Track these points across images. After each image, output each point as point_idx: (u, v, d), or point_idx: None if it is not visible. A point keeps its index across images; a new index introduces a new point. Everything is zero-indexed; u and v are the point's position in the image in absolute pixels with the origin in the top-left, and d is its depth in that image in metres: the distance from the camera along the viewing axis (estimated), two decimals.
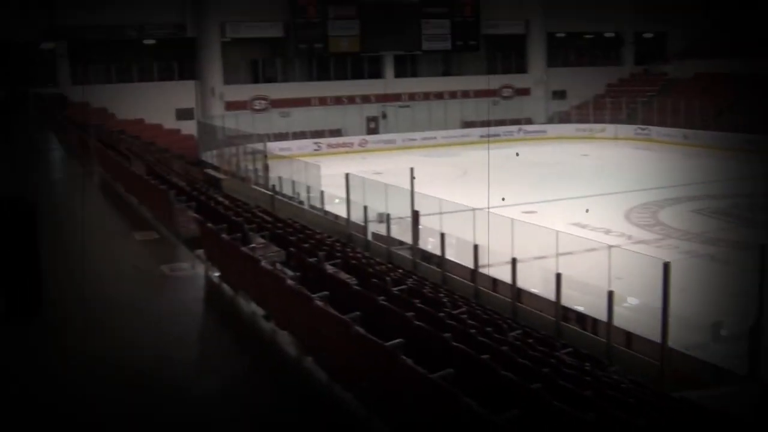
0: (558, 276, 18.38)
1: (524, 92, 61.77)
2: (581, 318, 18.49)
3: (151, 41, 52.08)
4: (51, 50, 49.84)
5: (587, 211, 31.03)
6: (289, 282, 8.75)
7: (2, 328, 9.56)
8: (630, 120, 57.75)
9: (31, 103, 47.76)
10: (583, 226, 28.87)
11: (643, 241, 27.25)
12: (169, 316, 10.56)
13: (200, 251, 12.85)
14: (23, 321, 9.64)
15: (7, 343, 9.21)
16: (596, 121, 58.65)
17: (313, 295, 8.07)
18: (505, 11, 59.89)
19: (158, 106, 49.79)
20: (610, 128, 57.55)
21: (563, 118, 60.82)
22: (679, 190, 36.00)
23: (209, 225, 11.97)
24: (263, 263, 9.58)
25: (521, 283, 19.97)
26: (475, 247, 21.33)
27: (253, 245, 12.25)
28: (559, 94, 62.31)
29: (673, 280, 15.15)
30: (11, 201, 9.79)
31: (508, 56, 62.25)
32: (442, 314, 11.17)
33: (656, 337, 15.41)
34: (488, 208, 22.35)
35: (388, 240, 24.86)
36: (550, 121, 61.21)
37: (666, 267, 15.11)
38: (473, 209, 23.77)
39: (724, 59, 55.49)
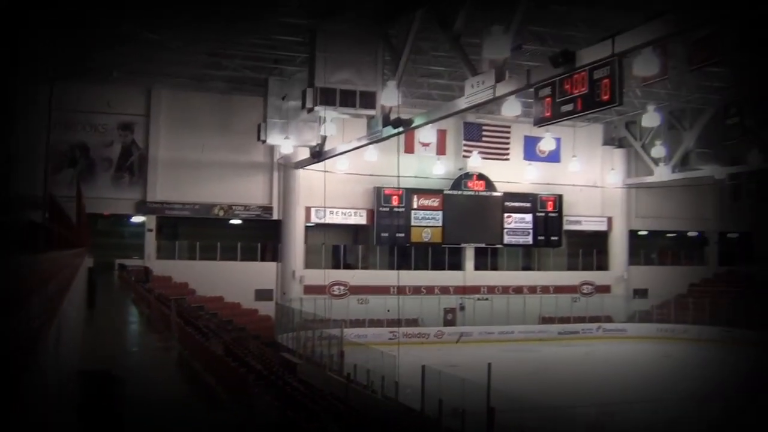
0: None
1: (605, 289, 61.05)
2: None
3: (237, 221, 53.35)
4: (140, 224, 51.34)
5: None
6: None
7: None
8: (714, 321, 55.62)
9: (116, 273, 49.00)
10: None
11: None
12: None
13: None
14: None
15: None
16: (677, 322, 57.14)
17: None
18: (588, 209, 60.42)
19: (238, 285, 50.40)
20: (692, 329, 55.73)
21: (644, 317, 59.56)
22: None
23: (289, 413, 11.79)
24: None
25: None
26: None
27: None
28: (641, 293, 61.39)
29: None
30: (99, 376, 9.79)
31: (589, 253, 61.96)
32: None
33: None
34: (568, 408, 21.81)
35: None
36: (631, 319, 59.91)
37: None
38: (554, 407, 23.30)
39: None
